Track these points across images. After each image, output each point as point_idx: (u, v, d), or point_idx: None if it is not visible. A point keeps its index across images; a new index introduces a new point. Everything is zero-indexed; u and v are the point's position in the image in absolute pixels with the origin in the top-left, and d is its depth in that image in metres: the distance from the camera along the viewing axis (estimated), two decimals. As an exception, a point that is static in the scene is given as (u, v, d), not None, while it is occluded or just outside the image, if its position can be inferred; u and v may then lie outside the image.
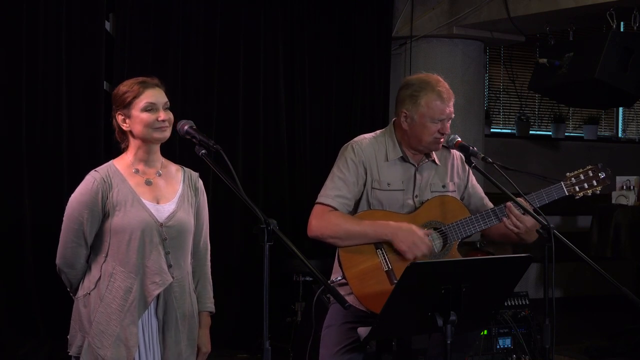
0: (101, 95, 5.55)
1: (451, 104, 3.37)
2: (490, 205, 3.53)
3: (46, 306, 5.33)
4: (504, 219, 3.35)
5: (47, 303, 5.31)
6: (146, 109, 2.99)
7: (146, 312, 3.01)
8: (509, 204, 3.33)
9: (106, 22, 5.66)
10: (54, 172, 5.42)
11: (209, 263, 3.23)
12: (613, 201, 6.65)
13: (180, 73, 5.88)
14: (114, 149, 3.13)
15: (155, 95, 3.03)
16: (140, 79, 3.07)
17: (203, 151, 2.90)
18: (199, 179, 3.21)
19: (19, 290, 5.34)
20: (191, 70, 5.97)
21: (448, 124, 3.37)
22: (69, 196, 3.07)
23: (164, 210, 3.04)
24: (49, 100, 5.42)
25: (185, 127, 2.99)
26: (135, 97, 3.00)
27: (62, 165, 5.43)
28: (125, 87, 3.03)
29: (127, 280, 2.97)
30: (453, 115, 3.39)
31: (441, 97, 3.34)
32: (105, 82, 5.63)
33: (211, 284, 3.23)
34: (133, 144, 3.06)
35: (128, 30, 5.69)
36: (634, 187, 6.61)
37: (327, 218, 3.32)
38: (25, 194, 5.32)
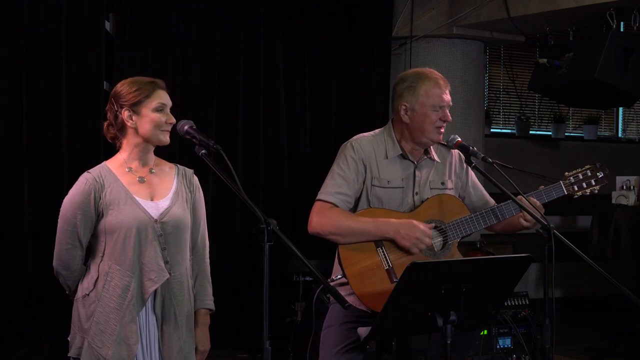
0: (101, 95, 5.55)
1: (448, 91, 3.40)
2: (493, 202, 3.54)
3: (46, 306, 5.33)
4: (521, 220, 3.37)
5: (47, 303, 5.31)
6: (157, 109, 3.01)
7: (143, 309, 3.01)
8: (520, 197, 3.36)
9: (106, 22, 5.67)
10: (54, 172, 5.42)
11: (207, 260, 3.20)
12: (613, 201, 6.65)
13: (180, 73, 5.88)
14: (114, 149, 3.13)
15: (166, 97, 3.05)
16: (148, 78, 3.07)
17: (203, 151, 2.90)
18: (194, 176, 3.20)
19: (19, 290, 5.34)
20: (191, 70, 5.98)
21: (448, 112, 3.39)
22: (69, 197, 3.07)
23: (158, 206, 3.03)
24: (49, 100, 5.42)
25: (185, 127, 2.98)
26: (148, 96, 3.00)
27: (62, 166, 5.43)
28: (135, 85, 3.02)
29: (124, 278, 2.96)
30: (451, 104, 3.41)
31: (438, 84, 3.38)
32: (105, 82, 5.63)
33: (210, 281, 3.20)
34: (131, 141, 3.05)
35: (128, 30, 5.69)
36: (634, 187, 6.61)
37: (329, 214, 3.32)
38: (25, 195, 5.32)
